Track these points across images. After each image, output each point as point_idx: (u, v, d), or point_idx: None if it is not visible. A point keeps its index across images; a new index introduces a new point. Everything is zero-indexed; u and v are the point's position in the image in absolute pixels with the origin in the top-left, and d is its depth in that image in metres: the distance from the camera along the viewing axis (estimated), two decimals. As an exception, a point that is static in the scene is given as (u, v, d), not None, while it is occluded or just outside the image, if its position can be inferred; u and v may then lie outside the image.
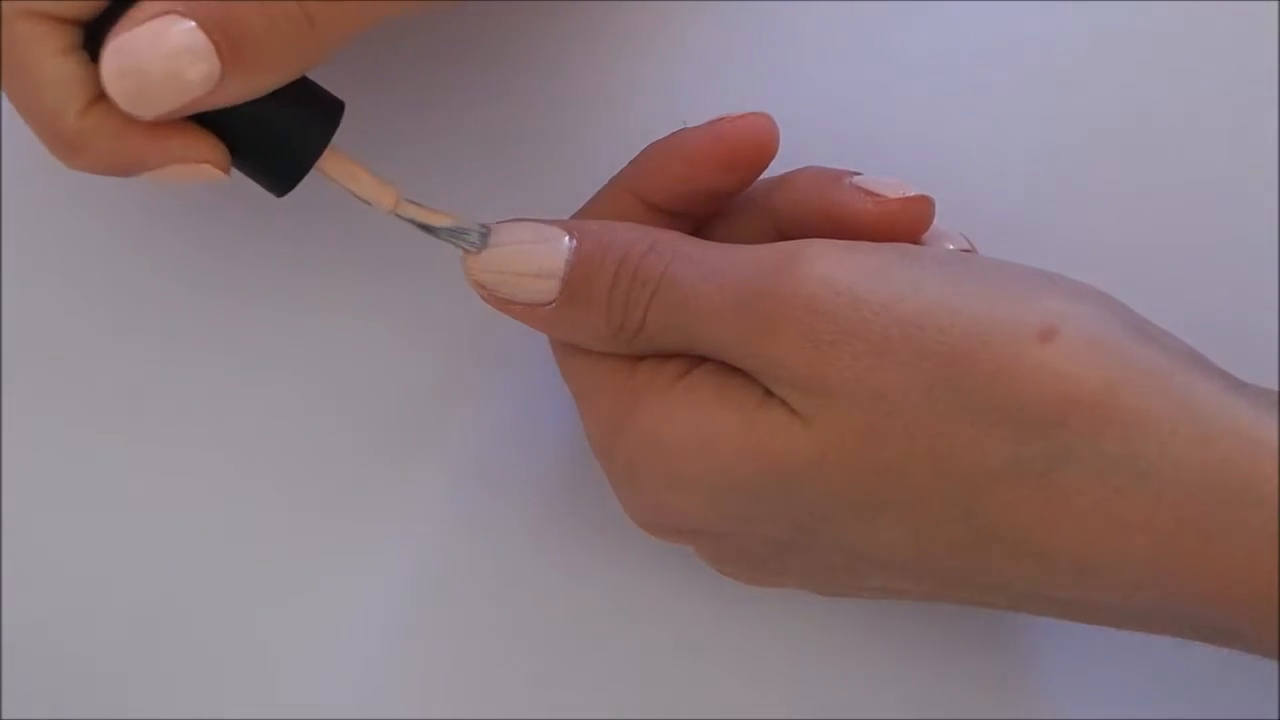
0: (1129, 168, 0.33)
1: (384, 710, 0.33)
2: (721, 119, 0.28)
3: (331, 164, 0.27)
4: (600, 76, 0.33)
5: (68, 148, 0.25)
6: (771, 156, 0.28)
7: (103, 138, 0.25)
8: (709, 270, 0.26)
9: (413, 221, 0.28)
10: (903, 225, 0.27)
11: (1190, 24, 0.33)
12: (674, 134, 0.28)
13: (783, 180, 0.29)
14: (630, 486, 0.28)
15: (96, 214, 0.33)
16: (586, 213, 0.29)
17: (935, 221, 0.28)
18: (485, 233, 0.27)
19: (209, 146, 0.26)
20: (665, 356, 0.27)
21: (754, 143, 0.28)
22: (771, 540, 0.27)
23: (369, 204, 0.27)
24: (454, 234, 0.28)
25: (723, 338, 0.25)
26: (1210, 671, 0.31)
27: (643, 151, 0.29)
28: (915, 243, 0.28)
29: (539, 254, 0.27)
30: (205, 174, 0.26)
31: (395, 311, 0.33)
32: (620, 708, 0.32)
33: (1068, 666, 0.32)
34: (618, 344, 0.27)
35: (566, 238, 0.27)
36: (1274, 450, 0.23)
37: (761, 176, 0.29)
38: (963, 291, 0.24)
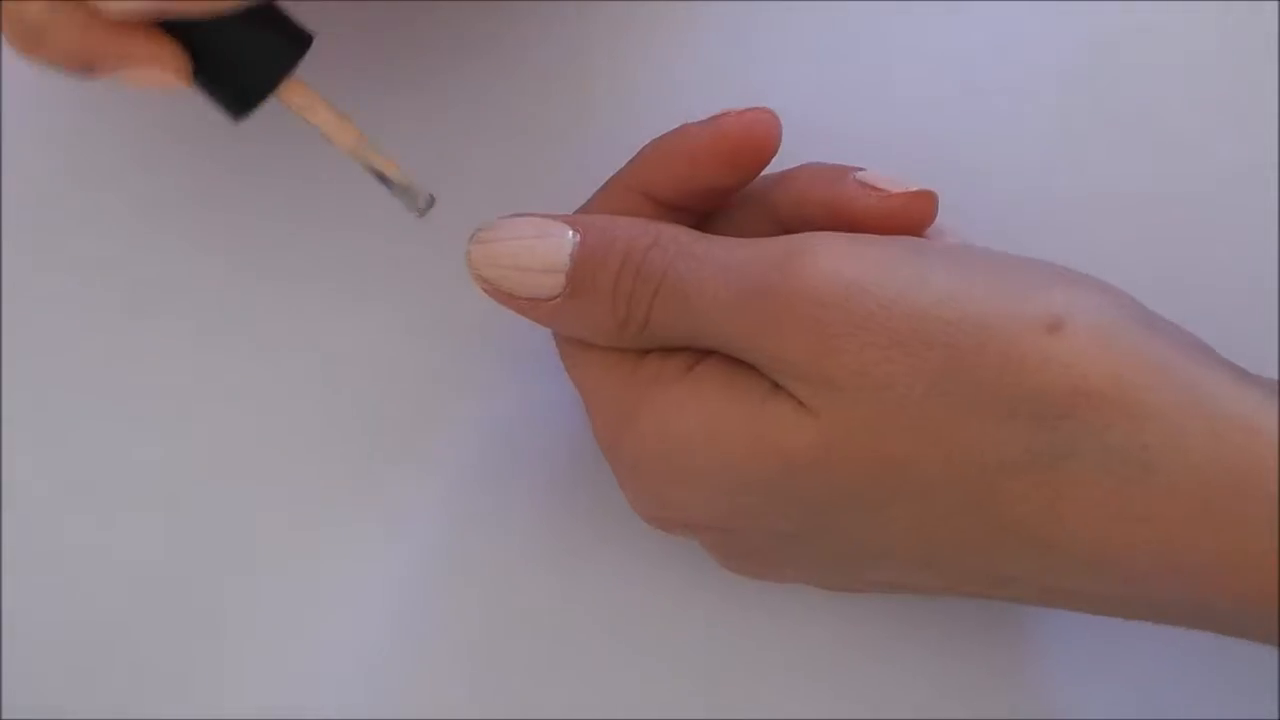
0: (1128, 168, 0.33)
1: (383, 709, 0.33)
2: (724, 114, 0.28)
3: (293, 93, 0.27)
4: (600, 74, 0.33)
5: (30, 37, 0.25)
6: (774, 151, 0.28)
7: (67, 30, 0.24)
8: (713, 265, 0.26)
9: (369, 167, 0.28)
10: (906, 220, 0.27)
11: (1190, 24, 0.33)
12: (676, 130, 0.28)
13: (784, 176, 0.29)
14: (637, 481, 0.28)
15: (93, 205, 0.33)
16: (589, 209, 0.29)
17: (937, 218, 0.28)
18: (430, 204, 0.28)
19: (172, 53, 0.25)
20: (670, 350, 0.27)
21: (756, 138, 0.28)
22: (778, 533, 0.27)
23: (329, 140, 0.27)
24: (404, 192, 0.28)
25: (728, 332, 0.25)
26: (1210, 671, 0.31)
27: (645, 148, 0.29)
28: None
29: (542, 249, 0.26)
30: (164, 80, 0.26)
31: (398, 305, 0.33)
32: (622, 705, 0.32)
33: (1065, 666, 0.32)
34: (623, 338, 0.27)
35: (570, 232, 0.27)
36: (1275, 443, 0.23)
37: (763, 173, 0.29)
38: (969, 284, 0.24)
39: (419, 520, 0.33)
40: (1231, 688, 0.31)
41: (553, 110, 0.33)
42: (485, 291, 0.27)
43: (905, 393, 0.24)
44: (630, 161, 0.29)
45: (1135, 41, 0.33)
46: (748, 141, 0.28)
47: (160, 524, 0.33)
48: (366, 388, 0.33)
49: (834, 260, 0.24)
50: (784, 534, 0.27)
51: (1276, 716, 0.31)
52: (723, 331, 0.26)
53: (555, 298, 0.26)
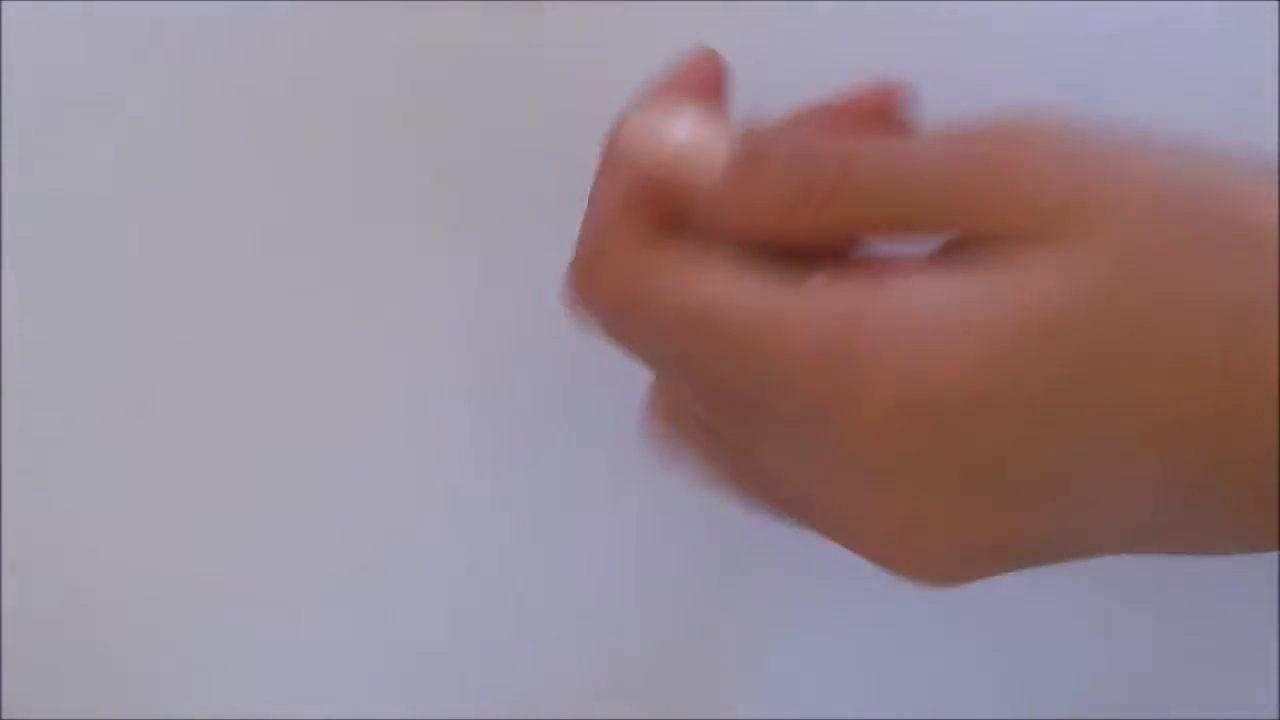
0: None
1: (383, 711, 0.33)
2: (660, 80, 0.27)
3: None
4: (596, 77, 0.33)
5: None
6: (725, 79, 0.27)
7: None
8: (902, 145, 0.24)
9: None
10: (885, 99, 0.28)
11: (1190, 24, 0.33)
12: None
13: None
14: (865, 388, 0.23)
15: (110, 200, 0.34)
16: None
17: None
18: None
19: None
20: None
21: (711, 70, 0.27)
22: (1031, 421, 0.23)
23: None
24: None
25: (949, 196, 0.24)
26: (1210, 670, 0.31)
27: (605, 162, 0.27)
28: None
29: (704, 119, 0.25)
30: None
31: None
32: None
33: (1064, 665, 0.32)
34: (798, 219, 0.24)
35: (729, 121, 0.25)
36: None
37: None
38: (1185, 150, 0.24)
39: (440, 531, 0.33)
40: (1232, 688, 0.31)
41: (551, 114, 0.33)
42: (632, 178, 0.25)
43: (1156, 242, 0.23)
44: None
45: (1135, 41, 0.33)
46: (708, 76, 0.27)
47: (161, 524, 0.33)
48: (388, 401, 0.33)
49: (1055, 125, 0.24)
50: (1036, 417, 0.23)
51: (1276, 717, 0.31)
52: (939, 197, 0.24)
53: (715, 176, 0.24)
